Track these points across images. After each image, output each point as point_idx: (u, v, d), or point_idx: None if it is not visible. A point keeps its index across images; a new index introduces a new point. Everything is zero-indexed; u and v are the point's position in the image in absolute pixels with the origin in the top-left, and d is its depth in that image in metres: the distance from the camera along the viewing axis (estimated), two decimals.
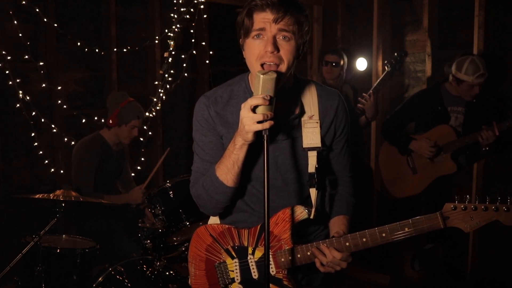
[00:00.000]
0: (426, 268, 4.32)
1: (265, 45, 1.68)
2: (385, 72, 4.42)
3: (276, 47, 1.68)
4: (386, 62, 4.50)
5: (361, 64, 4.86)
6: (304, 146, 1.82)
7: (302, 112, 1.84)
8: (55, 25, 3.96)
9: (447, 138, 3.88)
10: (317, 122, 1.82)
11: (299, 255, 1.81)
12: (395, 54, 4.46)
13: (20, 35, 3.74)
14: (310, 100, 1.86)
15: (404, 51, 4.54)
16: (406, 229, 1.74)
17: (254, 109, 1.61)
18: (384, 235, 1.75)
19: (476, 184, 4.12)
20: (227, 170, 1.74)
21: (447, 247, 4.20)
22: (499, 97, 4.00)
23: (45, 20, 3.89)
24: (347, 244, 1.77)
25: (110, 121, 3.74)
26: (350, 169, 2.00)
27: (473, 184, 4.13)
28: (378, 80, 4.40)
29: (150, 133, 4.49)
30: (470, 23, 4.12)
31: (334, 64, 4.36)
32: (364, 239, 1.76)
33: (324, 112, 1.86)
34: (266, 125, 1.59)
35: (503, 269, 4.09)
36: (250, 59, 1.74)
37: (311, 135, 1.81)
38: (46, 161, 3.98)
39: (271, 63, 1.69)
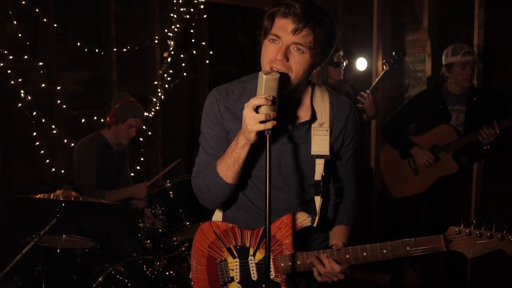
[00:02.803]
0: (426, 268, 4.32)
1: (277, 51, 1.69)
2: (384, 71, 4.42)
3: (286, 57, 1.68)
4: (384, 61, 4.51)
5: (361, 64, 4.86)
6: (312, 154, 1.82)
7: (314, 119, 1.84)
8: (55, 25, 3.96)
9: (448, 138, 3.88)
10: (327, 130, 1.82)
11: (299, 262, 1.81)
12: (393, 53, 4.47)
13: (20, 35, 3.74)
14: (322, 107, 1.86)
15: (402, 51, 4.54)
16: (408, 248, 1.72)
17: (257, 109, 1.61)
18: (385, 251, 1.74)
19: (476, 184, 4.12)
20: (228, 167, 1.74)
21: None
22: (499, 96, 4.00)
23: (45, 20, 3.89)
24: (347, 256, 1.77)
25: (108, 119, 3.76)
26: (355, 180, 2.00)
27: (473, 184, 4.12)
28: (377, 80, 4.41)
29: (150, 133, 4.49)
30: (470, 23, 4.12)
31: (343, 64, 4.38)
32: (365, 253, 1.76)
33: (334, 120, 1.87)
34: (269, 125, 1.59)
35: (503, 269, 4.09)
36: (263, 60, 1.75)
37: (320, 142, 1.81)
38: (48, 161, 3.98)
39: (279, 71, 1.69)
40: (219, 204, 1.90)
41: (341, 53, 4.45)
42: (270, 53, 1.71)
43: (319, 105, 1.86)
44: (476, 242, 1.67)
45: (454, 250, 1.70)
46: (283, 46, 1.68)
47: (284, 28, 1.67)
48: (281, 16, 1.69)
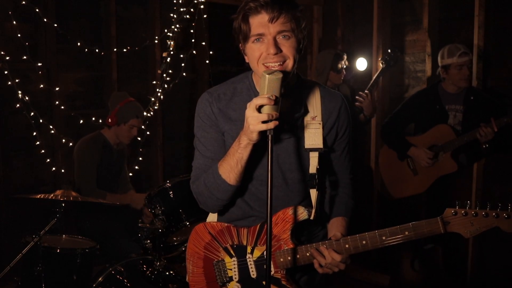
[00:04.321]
0: (426, 268, 4.32)
1: (266, 48, 1.69)
2: (380, 68, 4.41)
3: (278, 48, 1.69)
4: (380, 59, 4.50)
5: (361, 64, 4.86)
6: (306, 147, 1.82)
7: (306, 112, 1.84)
8: (55, 25, 3.96)
9: (446, 137, 3.88)
10: (319, 123, 1.83)
11: (298, 256, 1.81)
12: (389, 51, 4.45)
13: (20, 35, 3.74)
14: (314, 101, 1.86)
15: (397, 48, 4.52)
16: (406, 232, 1.74)
17: (259, 109, 1.60)
18: (384, 238, 1.75)
19: (476, 184, 4.11)
20: (230, 169, 1.74)
21: (447, 247, 4.20)
22: (497, 94, 4.00)
23: (45, 20, 3.89)
24: (347, 246, 1.77)
25: (109, 120, 3.76)
26: (350, 171, 2.00)
27: (473, 184, 4.12)
28: (374, 78, 4.40)
29: (148, 132, 4.49)
30: (470, 23, 4.12)
31: (344, 66, 4.37)
32: (364, 242, 1.76)
33: (327, 113, 1.86)
34: (271, 125, 1.59)
35: (503, 269, 4.09)
36: (253, 62, 1.75)
37: (313, 136, 1.82)
38: (48, 160, 3.98)
39: (276, 63, 1.69)
40: (221, 207, 1.88)
41: (344, 57, 4.43)
42: (259, 50, 1.71)
43: (310, 99, 1.86)
44: (472, 221, 1.72)
45: (452, 231, 1.73)
46: (271, 40, 1.68)
47: (262, 23, 1.68)
48: (254, 14, 1.69)
